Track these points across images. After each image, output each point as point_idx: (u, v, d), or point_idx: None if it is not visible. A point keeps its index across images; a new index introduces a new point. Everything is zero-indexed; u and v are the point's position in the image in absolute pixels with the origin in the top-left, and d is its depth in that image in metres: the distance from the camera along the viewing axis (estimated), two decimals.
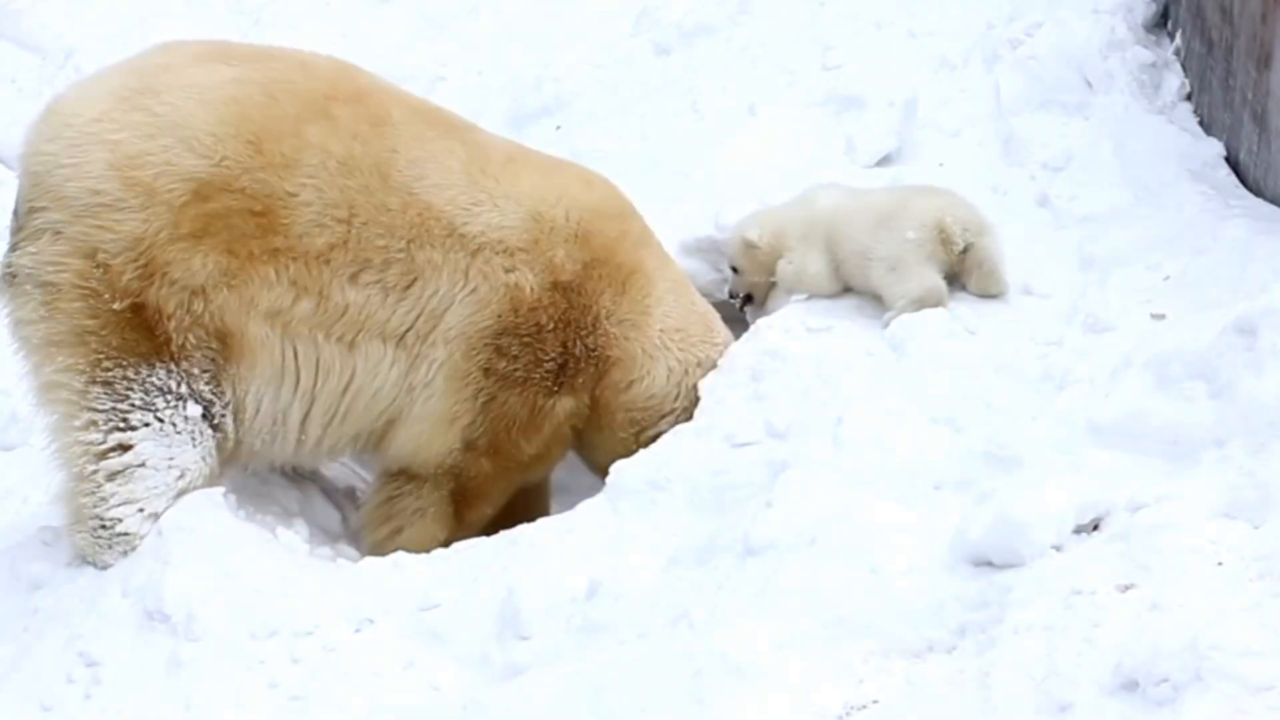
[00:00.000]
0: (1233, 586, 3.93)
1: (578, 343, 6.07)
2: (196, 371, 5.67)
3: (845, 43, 7.86)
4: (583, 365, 6.10)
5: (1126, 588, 4.05)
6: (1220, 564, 4.02)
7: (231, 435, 5.80)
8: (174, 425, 5.65)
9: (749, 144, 7.40)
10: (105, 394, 5.61)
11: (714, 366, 6.17)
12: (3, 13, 10.67)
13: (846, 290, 6.20)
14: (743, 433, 5.55)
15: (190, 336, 5.64)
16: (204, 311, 5.63)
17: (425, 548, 5.90)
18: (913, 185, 6.47)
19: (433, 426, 6.00)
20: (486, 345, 5.95)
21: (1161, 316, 5.59)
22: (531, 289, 5.96)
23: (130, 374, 5.61)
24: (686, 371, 6.21)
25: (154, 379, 5.62)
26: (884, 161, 7.17)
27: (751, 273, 6.39)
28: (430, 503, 6.11)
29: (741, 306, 6.57)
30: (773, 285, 6.41)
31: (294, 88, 5.76)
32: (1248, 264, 5.71)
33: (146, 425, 5.63)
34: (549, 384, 6.06)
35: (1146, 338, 5.16)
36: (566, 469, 6.82)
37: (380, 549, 5.98)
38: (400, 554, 5.71)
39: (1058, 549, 4.33)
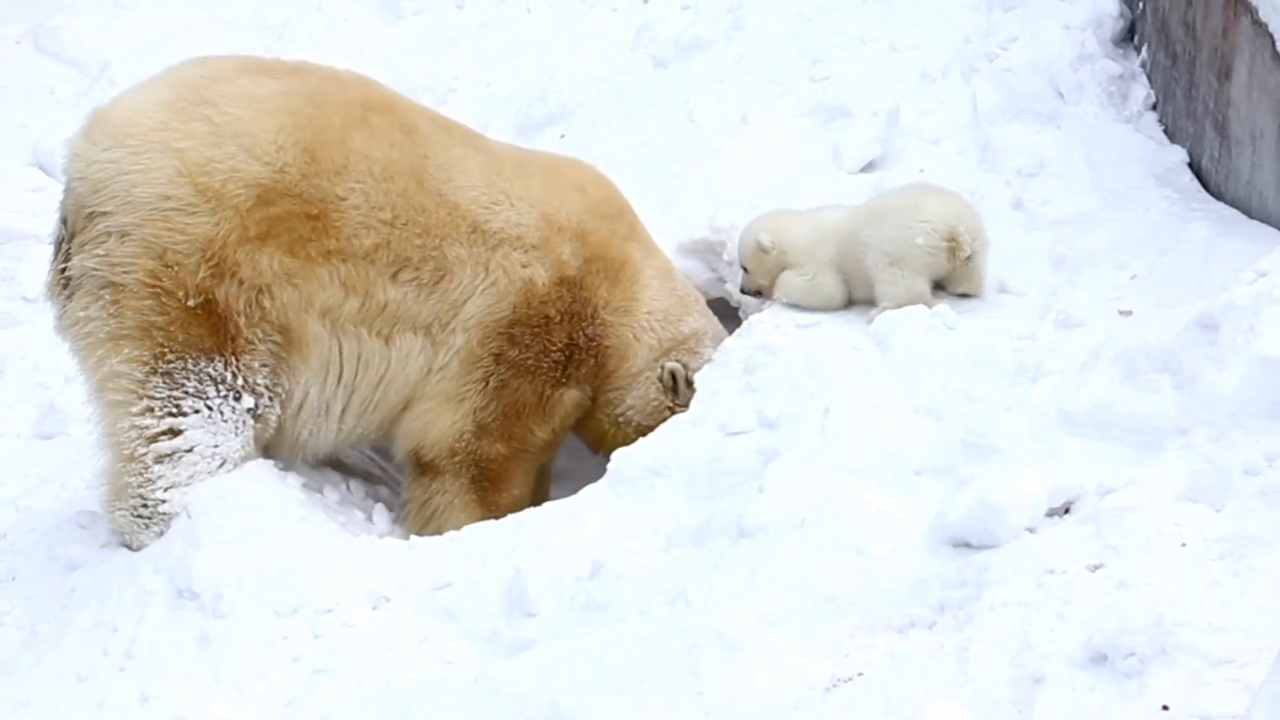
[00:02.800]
0: (1195, 566, 3.92)
1: (580, 333, 6.15)
2: (256, 365, 5.70)
3: (832, 56, 7.85)
4: (585, 355, 6.17)
5: (1096, 567, 4.05)
6: (1184, 545, 4.02)
7: (273, 427, 5.82)
8: (222, 414, 5.68)
9: (742, 151, 7.40)
10: (164, 383, 5.63)
11: (687, 342, 6.33)
12: (41, 28, 10.67)
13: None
14: (736, 422, 5.54)
15: (258, 330, 5.68)
16: (270, 308, 5.68)
17: None
18: (921, 184, 6.41)
19: (440, 404, 6.03)
20: (500, 334, 6.01)
21: (1129, 313, 5.58)
22: (543, 283, 6.03)
23: (190, 365, 5.63)
24: (665, 350, 6.31)
25: (210, 370, 5.64)
26: (868, 168, 7.17)
27: (758, 275, 6.38)
28: (455, 493, 6.13)
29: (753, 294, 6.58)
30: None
31: (333, 98, 5.82)
32: (1209, 264, 5.70)
33: (197, 412, 5.65)
34: (556, 374, 6.13)
35: (1115, 333, 5.15)
36: (569, 456, 6.83)
37: None
38: (415, 537, 5.73)
39: (1031, 531, 4.33)
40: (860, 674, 4.10)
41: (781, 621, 4.30)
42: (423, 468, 6.16)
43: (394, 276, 5.83)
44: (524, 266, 5.99)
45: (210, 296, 5.59)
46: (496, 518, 5.96)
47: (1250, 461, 4.17)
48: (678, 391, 6.26)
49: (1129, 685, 3.65)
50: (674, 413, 6.19)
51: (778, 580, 4.43)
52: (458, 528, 5.92)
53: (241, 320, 5.63)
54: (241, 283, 5.61)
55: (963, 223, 5.97)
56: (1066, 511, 4.40)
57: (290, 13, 10.52)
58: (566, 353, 6.13)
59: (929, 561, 4.39)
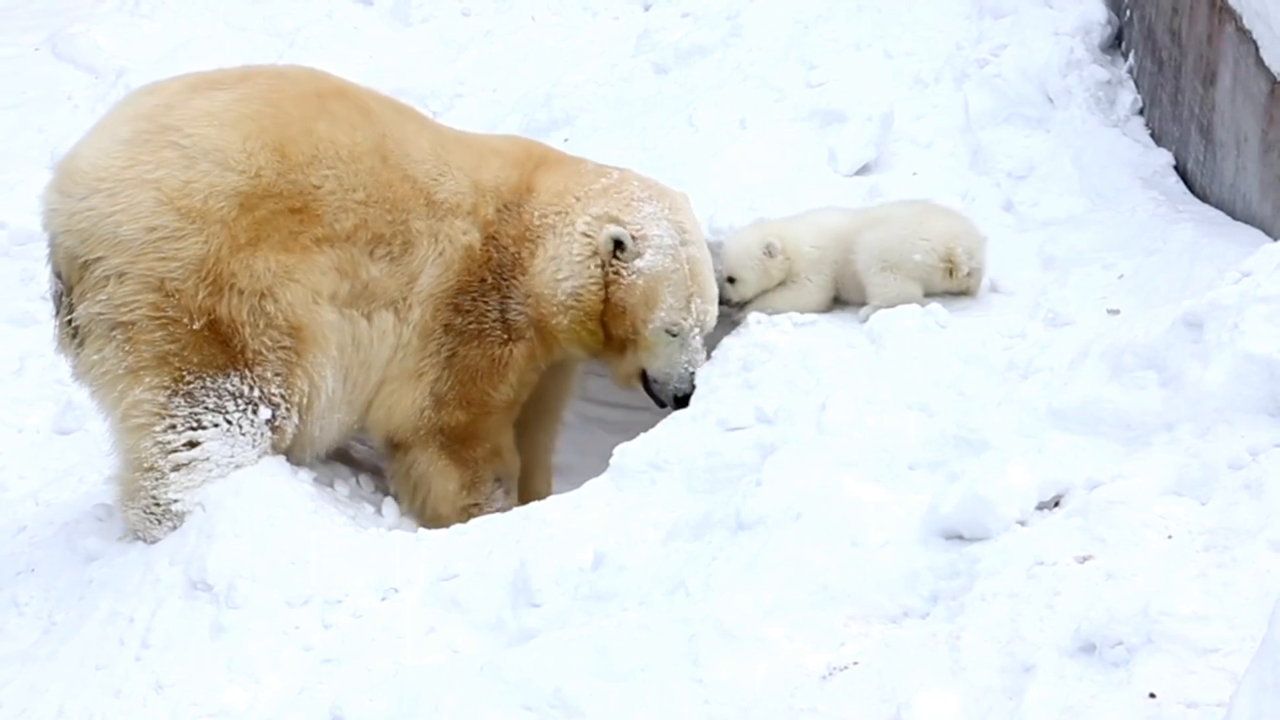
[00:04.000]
0: (1181, 557, 3.91)
1: (503, 282, 6.08)
2: (270, 375, 5.66)
3: (827, 63, 7.85)
4: (513, 299, 6.09)
5: (1084, 559, 4.04)
6: (1170, 537, 4.01)
7: (289, 438, 5.79)
8: (240, 428, 5.64)
9: (740, 154, 7.40)
10: (185, 402, 5.59)
11: (607, 194, 6.08)
12: (60, 36, 10.69)
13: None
14: (735, 418, 5.54)
15: (265, 340, 5.63)
16: (275, 311, 5.62)
17: (450, 499, 6.05)
18: (927, 202, 6.38)
19: (401, 384, 6.03)
20: (448, 305, 6.00)
21: (1116, 311, 5.58)
22: (478, 247, 6.03)
23: (208, 383, 5.59)
24: (578, 214, 6.07)
25: (228, 386, 5.61)
26: (863, 171, 7.16)
27: (756, 283, 6.31)
28: (429, 461, 6.13)
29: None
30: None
31: (287, 94, 5.77)
32: (1194, 264, 5.70)
33: (216, 426, 5.62)
34: (500, 333, 6.09)
35: (1102, 331, 5.14)
36: (571, 450, 6.82)
37: (418, 514, 6.13)
38: (422, 529, 5.74)
39: (1022, 523, 4.31)
40: (855, 662, 4.09)
41: (779, 611, 4.29)
42: (395, 446, 6.16)
43: (371, 254, 5.83)
44: (464, 234, 5.99)
45: (213, 315, 5.54)
46: (477, 472, 6.07)
47: (1235, 456, 4.16)
48: (620, 254, 6.01)
49: (1117, 674, 3.64)
50: (606, 271, 6.02)
51: (775, 571, 4.42)
52: (440, 493, 6.04)
53: (247, 331, 5.59)
54: (242, 293, 5.56)
55: (961, 243, 5.97)
56: (1056, 505, 4.39)
57: (302, 20, 10.53)
58: (501, 308, 6.07)
59: (922, 553, 4.37)
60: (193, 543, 5.44)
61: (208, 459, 5.62)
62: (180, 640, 5.17)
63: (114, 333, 5.53)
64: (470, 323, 6.03)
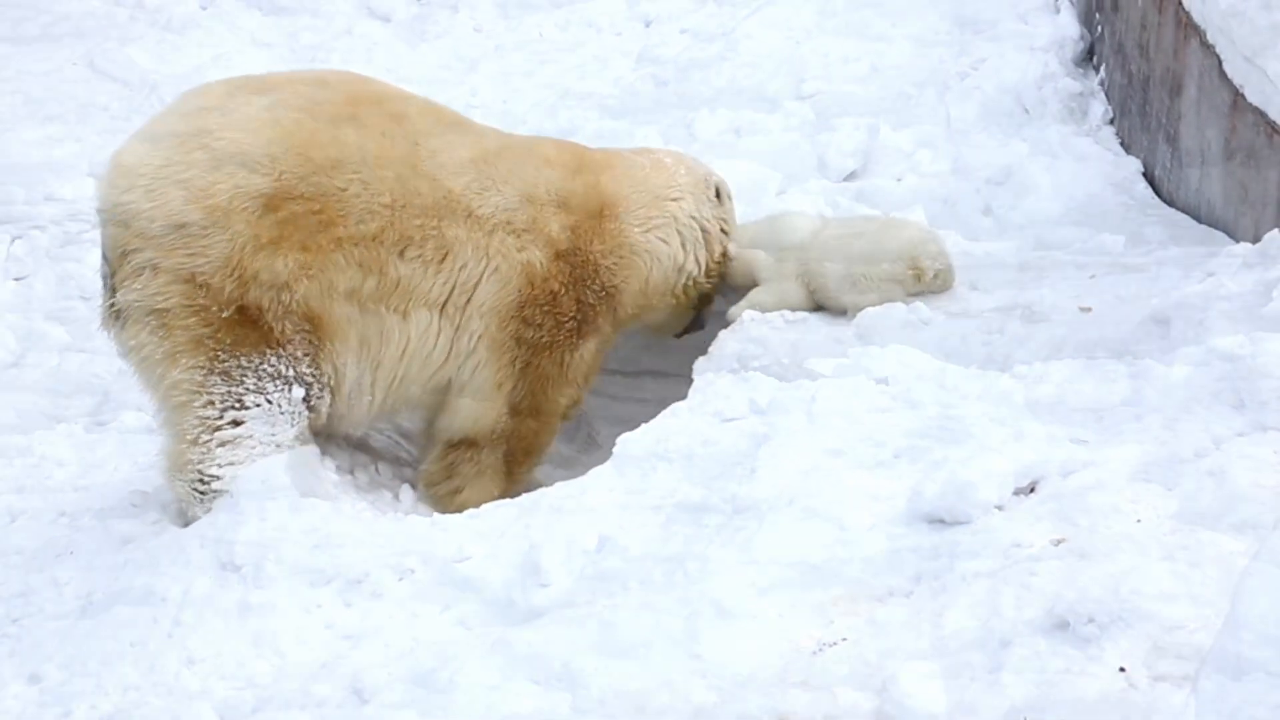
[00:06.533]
0: (1150, 540, 3.91)
1: (588, 292, 6.07)
2: (300, 354, 5.65)
3: (818, 76, 7.85)
4: (598, 307, 6.10)
5: (1058, 541, 4.04)
6: (1139, 520, 4.01)
7: (324, 416, 5.78)
8: (279, 407, 5.63)
9: (736, 162, 7.39)
10: (223, 381, 5.58)
11: (690, 191, 6.37)
12: (97, 50, 10.70)
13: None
14: (730, 409, 5.53)
15: (287, 324, 5.61)
16: (291, 302, 5.60)
17: (483, 503, 5.95)
18: (883, 218, 6.37)
19: (486, 396, 6.00)
20: (514, 317, 5.95)
21: (1088, 309, 5.57)
22: (540, 263, 5.96)
23: (244, 363, 5.58)
24: (673, 221, 6.29)
25: (265, 366, 5.60)
26: (851, 177, 7.17)
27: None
28: (488, 465, 6.11)
29: None
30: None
31: (321, 101, 5.74)
32: (1162, 265, 5.69)
33: (258, 406, 5.62)
34: (572, 339, 6.07)
35: (1075, 327, 5.15)
36: (571, 443, 6.81)
37: (442, 504, 6.06)
38: (438, 515, 5.72)
39: (1000, 508, 4.32)
40: (844, 638, 4.09)
41: (772, 591, 4.28)
42: (461, 441, 6.12)
43: (401, 254, 5.76)
44: (520, 250, 5.92)
45: (241, 303, 5.55)
46: (516, 487, 6.01)
47: (1199, 445, 4.17)
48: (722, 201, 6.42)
49: (1089, 649, 3.64)
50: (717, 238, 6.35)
51: (768, 553, 4.42)
52: (479, 495, 5.97)
53: (270, 316, 5.59)
54: (263, 285, 5.56)
55: (924, 249, 5.96)
56: (1031, 490, 4.39)
57: (324, 37, 10.53)
58: (579, 315, 6.05)
59: (906, 536, 4.37)
60: (222, 526, 5.44)
61: (251, 437, 5.63)
62: (210, 618, 5.16)
63: (149, 318, 5.55)
64: (541, 335, 6.00)
